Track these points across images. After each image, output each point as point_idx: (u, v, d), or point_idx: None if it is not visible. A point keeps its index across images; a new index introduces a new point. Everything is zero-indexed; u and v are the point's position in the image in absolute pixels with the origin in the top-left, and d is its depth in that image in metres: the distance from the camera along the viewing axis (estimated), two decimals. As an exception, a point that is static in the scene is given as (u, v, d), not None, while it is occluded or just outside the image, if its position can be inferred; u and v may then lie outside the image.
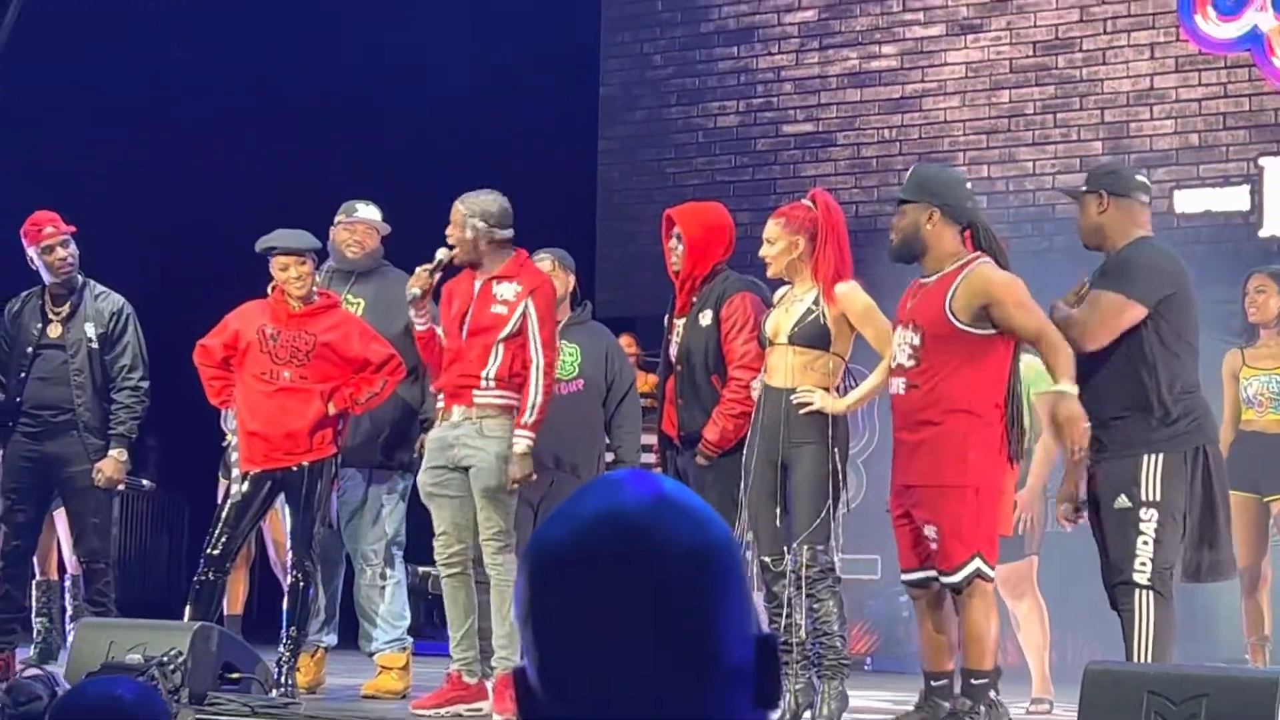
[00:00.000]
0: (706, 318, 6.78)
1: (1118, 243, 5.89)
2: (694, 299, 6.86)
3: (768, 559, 6.37)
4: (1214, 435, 5.94)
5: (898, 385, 5.89)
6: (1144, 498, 5.67)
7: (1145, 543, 5.63)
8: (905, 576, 5.98)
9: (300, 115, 12.94)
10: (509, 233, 6.89)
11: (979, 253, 5.88)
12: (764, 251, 6.51)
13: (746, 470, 6.42)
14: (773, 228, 6.49)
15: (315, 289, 7.36)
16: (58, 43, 12.27)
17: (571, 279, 7.79)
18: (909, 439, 5.85)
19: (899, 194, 6.08)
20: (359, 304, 7.79)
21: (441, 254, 6.95)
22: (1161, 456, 5.68)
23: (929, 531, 5.79)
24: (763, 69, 12.44)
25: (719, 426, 6.59)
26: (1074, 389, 5.60)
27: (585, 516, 1.53)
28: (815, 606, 6.27)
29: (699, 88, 12.64)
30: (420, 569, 10.18)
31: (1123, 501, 5.69)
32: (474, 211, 6.84)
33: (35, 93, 12.05)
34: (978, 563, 5.77)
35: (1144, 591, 5.61)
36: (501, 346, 6.75)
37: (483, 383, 6.74)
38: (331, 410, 7.21)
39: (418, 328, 6.96)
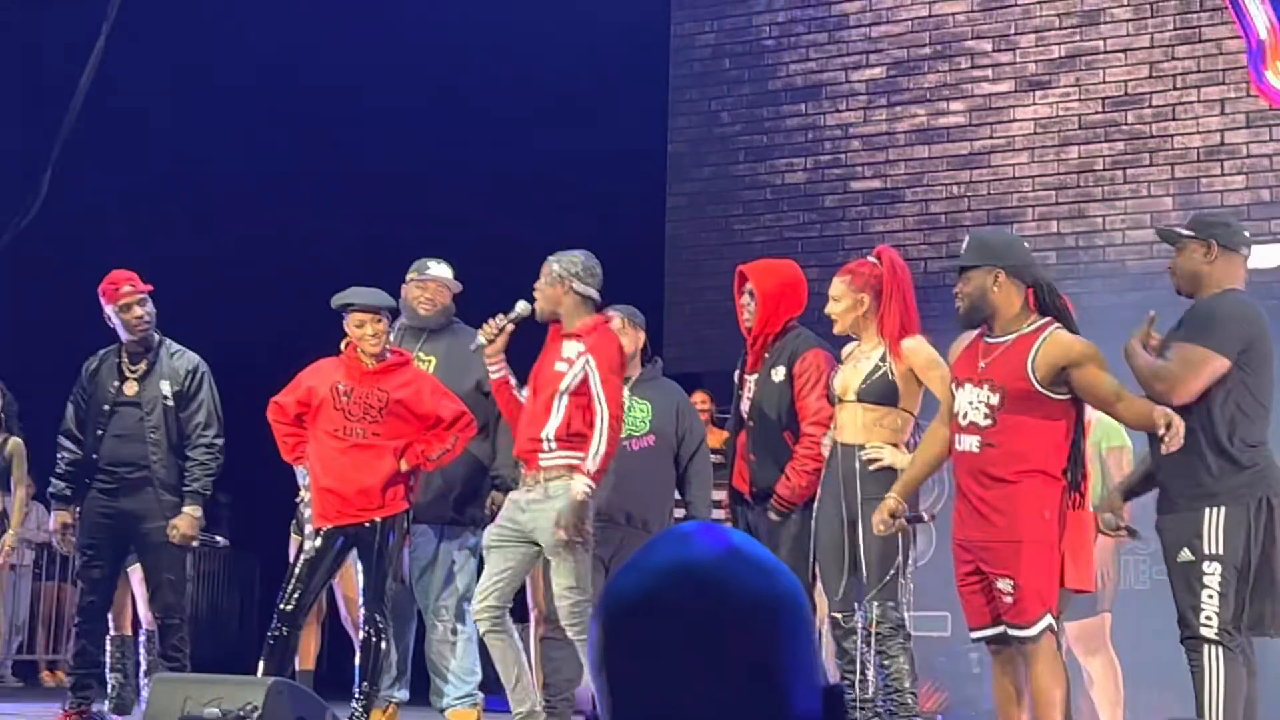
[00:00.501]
0: (779, 374, 6.81)
1: (1210, 293, 5.90)
2: (766, 355, 6.90)
3: (838, 615, 6.38)
4: (1278, 488, 5.92)
5: (970, 443, 5.89)
6: (1207, 551, 5.66)
7: (1210, 596, 5.62)
8: (977, 634, 5.97)
9: (372, 176, 13.07)
10: (592, 291, 6.91)
11: (1049, 318, 5.90)
12: (830, 309, 6.54)
13: (816, 526, 6.45)
14: (838, 285, 6.53)
15: (388, 346, 7.43)
16: (131, 104, 12.45)
17: (641, 335, 7.83)
18: (982, 495, 5.85)
19: (961, 261, 6.09)
20: (430, 361, 7.84)
21: (520, 306, 6.99)
22: (1224, 509, 5.67)
23: (1004, 585, 5.78)
24: (830, 126, 12.47)
25: (792, 482, 6.63)
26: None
27: (657, 568, 1.56)
28: (886, 663, 6.27)
29: (767, 145, 12.69)
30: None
31: (1186, 555, 5.68)
32: (561, 264, 6.89)
33: (111, 149, 12.22)
34: (1049, 618, 5.77)
35: (1212, 646, 5.59)
36: (561, 402, 6.76)
37: (544, 444, 6.76)
38: (404, 467, 7.26)
39: (492, 376, 7.01)
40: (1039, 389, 5.78)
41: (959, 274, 6.05)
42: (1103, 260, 11.30)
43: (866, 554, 6.30)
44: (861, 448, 6.35)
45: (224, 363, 8.53)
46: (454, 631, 7.77)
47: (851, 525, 6.34)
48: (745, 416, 6.93)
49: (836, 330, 6.61)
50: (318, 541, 7.22)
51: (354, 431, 7.24)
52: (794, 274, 7.07)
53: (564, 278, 6.84)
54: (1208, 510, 5.69)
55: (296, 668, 8.38)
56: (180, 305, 8.59)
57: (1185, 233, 6.04)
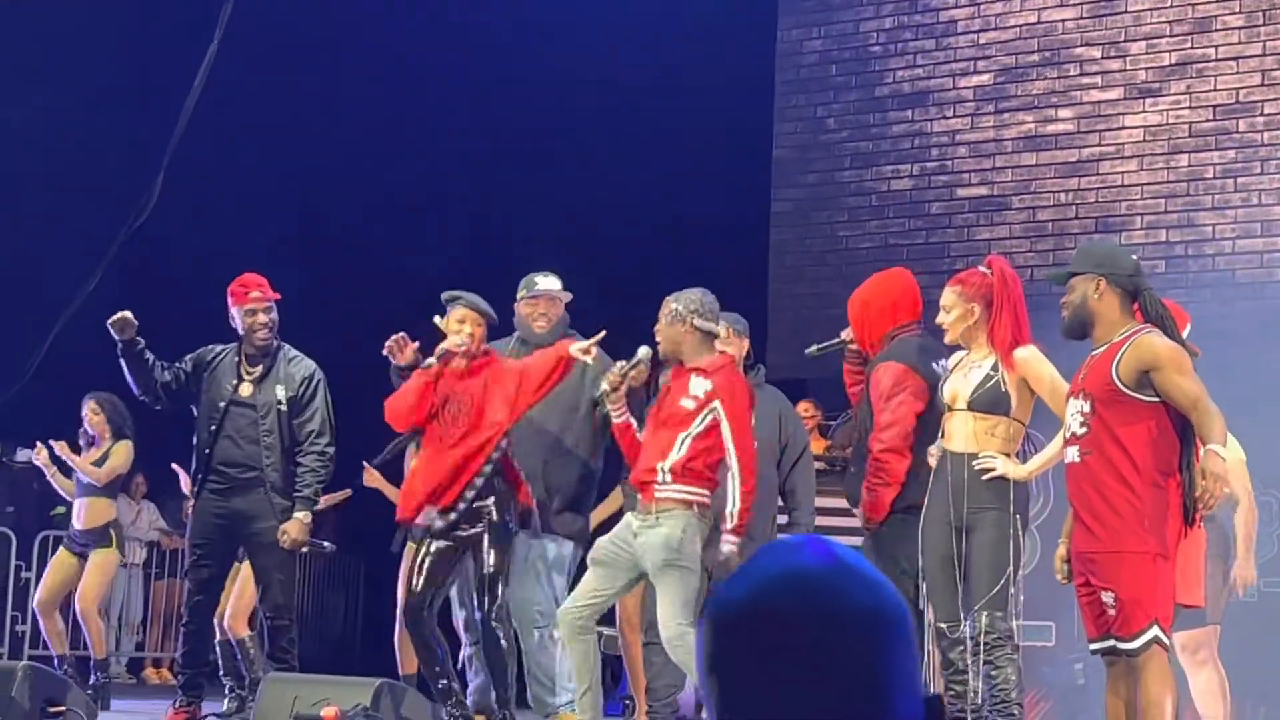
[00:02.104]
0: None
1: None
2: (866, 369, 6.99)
3: (944, 625, 6.36)
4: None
5: (1072, 454, 5.88)
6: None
7: None
8: (1092, 646, 5.94)
9: (474, 194, 13.15)
10: (712, 325, 6.95)
11: (1147, 323, 5.86)
12: (940, 319, 6.54)
13: (924, 535, 6.44)
14: (949, 295, 6.52)
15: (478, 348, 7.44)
16: (241, 109, 12.60)
17: (745, 343, 7.83)
18: (1085, 506, 5.82)
19: (1061, 271, 6.08)
20: None
21: (642, 352, 7.03)
22: None
23: (1106, 598, 5.75)
24: (937, 132, 12.43)
25: (866, 499, 6.71)
26: (1224, 450, 5.58)
27: (766, 576, 1.59)
28: (993, 674, 6.25)
29: (872, 151, 12.66)
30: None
31: None
32: (680, 303, 6.94)
33: (222, 152, 12.37)
34: (1155, 630, 5.72)
35: None
36: (687, 442, 6.80)
37: (660, 475, 6.80)
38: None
39: (615, 420, 7.06)
40: (1126, 392, 5.74)
41: (1064, 282, 6.03)
42: (1211, 270, 11.20)
43: (975, 563, 6.28)
44: (973, 456, 6.34)
45: (335, 371, 8.60)
46: (553, 637, 7.79)
47: (961, 534, 6.33)
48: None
49: (947, 340, 6.61)
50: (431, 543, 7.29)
51: (451, 435, 7.29)
52: (881, 285, 7.10)
53: (684, 315, 6.89)
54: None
55: (400, 672, 8.47)
56: (297, 310, 8.68)
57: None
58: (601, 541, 7.06)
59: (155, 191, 12.42)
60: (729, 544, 6.69)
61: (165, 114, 12.06)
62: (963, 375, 6.47)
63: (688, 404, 6.80)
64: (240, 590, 8.88)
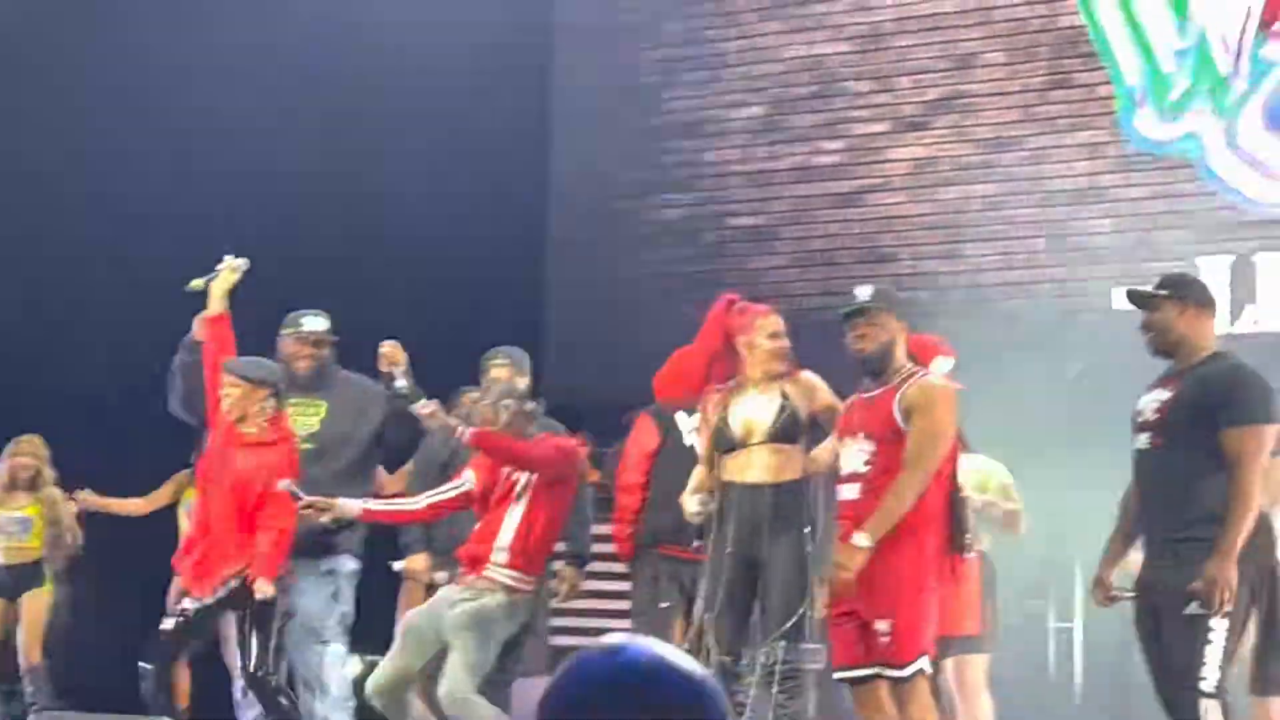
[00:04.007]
0: None
1: (1195, 355, 5.89)
2: None
3: (727, 659, 6.42)
4: (1277, 553, 5.99)
5: (852, 491, 5.99)
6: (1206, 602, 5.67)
7: (1213, 651, 5.64)
8: (846, 674, 6.03)
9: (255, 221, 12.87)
10: (532, 404, 7.16)
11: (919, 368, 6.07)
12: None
13: (711, 567, 6.50)
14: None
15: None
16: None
17: (526, 378, 7.87)
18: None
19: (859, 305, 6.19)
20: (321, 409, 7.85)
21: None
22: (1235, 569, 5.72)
23: (881, 626, 5.86)
24: (710, 162, 12.58)
25: None
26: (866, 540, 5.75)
27: (594, 681, 1.68)
28: (786, 703, 6.33)
29: (647, 180, 12.77)
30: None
31: (1194, 608, 5.65)
32: (497, 399, 7.15)
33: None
34: (924, 660, 5.87)
35: (1210, 700, 5.64)
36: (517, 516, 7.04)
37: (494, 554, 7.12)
38: None
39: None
40: (905, 429, 5.92)
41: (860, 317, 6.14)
42: (975, 300, 11.47)
43: (773, 595, 6.37)
44: (773, 487, 6.44)
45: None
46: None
47: (754, 566, 6.42)
48: None
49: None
50: None
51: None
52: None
53: (511, 406, 6.97)
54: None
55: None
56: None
57: (1159, 292, 5.99)
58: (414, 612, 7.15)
59: None
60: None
61: None
62: (757, 410, 6.50)
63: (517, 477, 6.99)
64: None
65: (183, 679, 8.86)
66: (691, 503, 6.59)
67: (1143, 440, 5.86)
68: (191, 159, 11.99)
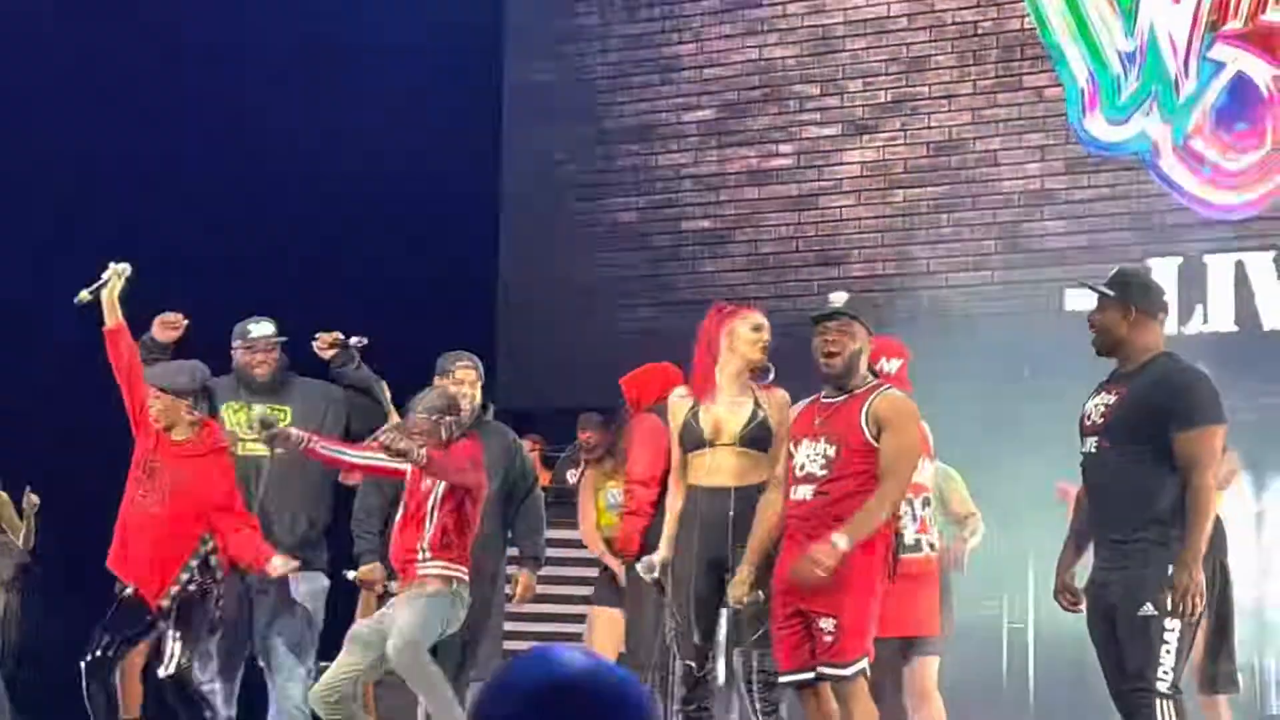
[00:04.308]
0: None
1: (1140, 358, 5.89)
2: None
3: (692, 664, 6.40)
4: (1226, 550, 6.00)
5: (806, 492, 5.99)
6: (1169, 607, 5.68)
7: (1168, 652, 5.65)
8: (792, 678, 6.03)
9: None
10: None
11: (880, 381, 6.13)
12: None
13: (676, 573, 6.49)
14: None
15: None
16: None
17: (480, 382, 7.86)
18: (812, 538, 5.93)
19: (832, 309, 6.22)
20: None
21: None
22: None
23: (826, 624, 5.87)
24: (663, 166, 12.60)
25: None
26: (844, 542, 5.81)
27: (526, 693, 1.69)
28: (768, 713, 6.32)
29: (600, 184, 12.77)
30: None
31: (1148, 610, 5.65)
32: (424, 410, 7.05)
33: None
34: (865, 661, 5.89)
35: (1166, 701, 5.65)
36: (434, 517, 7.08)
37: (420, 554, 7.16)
38: None
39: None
40: (869, 442, 5.96)
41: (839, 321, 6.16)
42: (926, 302, 11.52)
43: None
44: (741, 490, 6.43)
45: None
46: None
47: (725, 570, 6.40)
48: None
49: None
50: None
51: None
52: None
53: (436, 418, 7.00)
54: (1171, 568, 5.68)
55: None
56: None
57: (1106, 291, 5.99)
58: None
59: None
60: None
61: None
62: (726, 410, 6.48)
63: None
64: None
65: (135, 686, 8.79)
66: (643, 567, 6.66)
67: (1090, 444, 5.89)
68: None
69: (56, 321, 8.99)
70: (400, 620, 6.89)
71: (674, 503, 6.54)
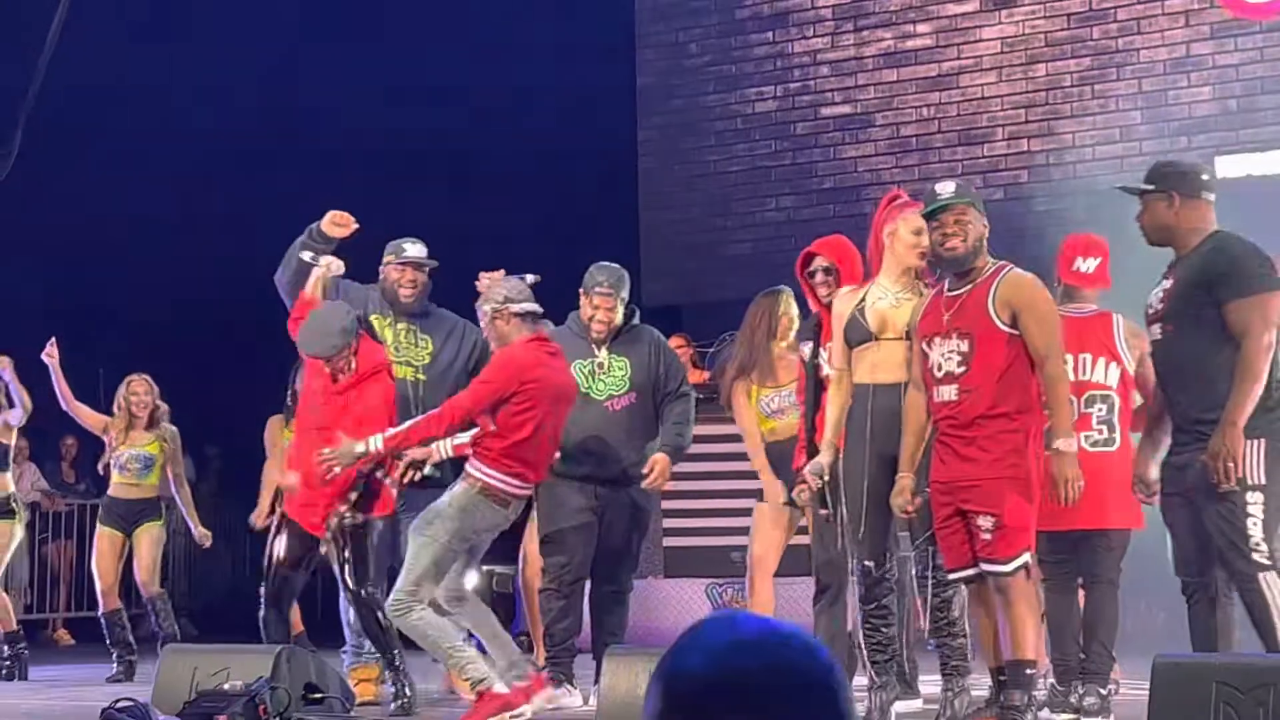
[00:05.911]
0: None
1: (1191, 241, 5.92)
2: None
3: (870, 563, 6.38)
4: None
5: (948, 393, 5.96)
6: (1251, 481, 5.65)
7: (1255, 525, 5.64)
8: (958, 574, 6.03)
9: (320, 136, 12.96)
10: (528, 305, 6.95)
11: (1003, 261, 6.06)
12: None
13: (848, 472, 6.43)
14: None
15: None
16: (101, 60, 12.40)
17: (619, 298, 7.76)
18: (964, 437, 5.91)
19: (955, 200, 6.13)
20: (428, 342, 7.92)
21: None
22: (1264, 441, 5.70)
23: (985, 522, 5.86)
24: (798, 53, 12.50)
25: None
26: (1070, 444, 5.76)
27: (718, 645, 1.70)
28: (941, 604, 6.29)
29: (736, 74, 12.71)
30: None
31: (1228, 485, 5.67)
32: (489, 304, 6.94)
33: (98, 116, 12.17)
34: (1027, 555, 5.88)
35: (1267, 573, 5.62)
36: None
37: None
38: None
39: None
40: (1002, 329, 5.90)
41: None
42: (1073, 177, 11.37)
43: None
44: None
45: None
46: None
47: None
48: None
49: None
50: None
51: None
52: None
53: (501, 310, 6.88)
54: (1251, 443, 5.63)
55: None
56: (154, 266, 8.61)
57: (1146, 187, 6.02)
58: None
59: (15, 146, 12.26)
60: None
61: (23, 68, 11.88)
62: (892, 305, 6.41)
63: None
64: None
65: (293, 609, 9.01)
66: (811, 470, 6.51)
67: (1155, 331, 5.92)
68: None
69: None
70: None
71: (837, 398, 6.45)
